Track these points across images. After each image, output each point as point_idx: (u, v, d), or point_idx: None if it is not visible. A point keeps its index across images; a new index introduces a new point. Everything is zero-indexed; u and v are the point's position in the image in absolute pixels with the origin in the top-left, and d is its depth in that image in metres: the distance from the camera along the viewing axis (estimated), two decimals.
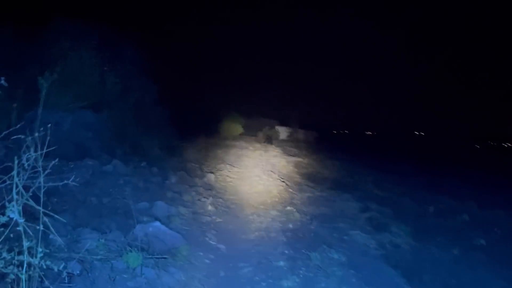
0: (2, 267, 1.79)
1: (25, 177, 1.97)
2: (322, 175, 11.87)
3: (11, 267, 1.81)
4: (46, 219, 2.05)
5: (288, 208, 6.65)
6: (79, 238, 3.18)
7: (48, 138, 2.14)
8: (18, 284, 1.87)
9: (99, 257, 2.93)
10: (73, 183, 2.18)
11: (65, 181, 2.18)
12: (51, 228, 2.03)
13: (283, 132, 29.24)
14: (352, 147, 23.95)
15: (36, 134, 2.03)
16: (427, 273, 4.92)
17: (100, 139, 6.68)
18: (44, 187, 2.05)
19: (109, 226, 3.73)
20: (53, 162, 2.29)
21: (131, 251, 3.15)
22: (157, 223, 3.91)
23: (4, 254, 1.79)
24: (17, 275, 1.81)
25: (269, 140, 22.04)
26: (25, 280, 1.83)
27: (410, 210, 7.96)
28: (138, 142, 8.23)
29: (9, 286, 1.87)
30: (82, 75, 7.44)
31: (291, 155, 16.92)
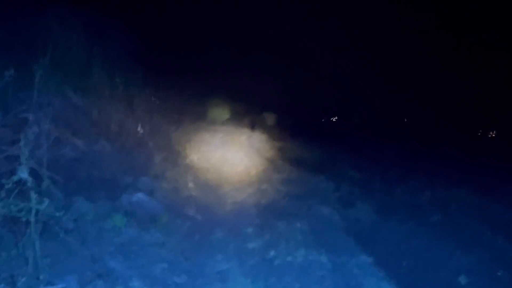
0: (16, 212, 2.33)
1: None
2: (303, 158, 12.47)
3: (23, 212, 2.36)
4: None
5: (264, 186, 7.25)
6: (72, 202, 3.72)
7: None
8: (27, 226, 2.43)
9: (89, 217, 3.49)
10: None
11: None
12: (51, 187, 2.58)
13: (270, 118, 29.71)
14: (336, 131, 24.49)
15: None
16: (380, 243, 5.58)
17: (88, 121, 7.12)
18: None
19: (99, 195, 4.27)
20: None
21: (117, 215, 3.71)
22: (141, 194, 4.47)
23: (18, 202, 2.34)
24: (27, 218, 2.37)
25: (256, 125, 22.50)
26: (33, 222, 2.39)
27: (379, 189, 8.62)
28: (122, 124, 8.65)
29: (23, 226, 2.44)
30: (70, 58, 7.79)
31: (275, 140, 17.43)
